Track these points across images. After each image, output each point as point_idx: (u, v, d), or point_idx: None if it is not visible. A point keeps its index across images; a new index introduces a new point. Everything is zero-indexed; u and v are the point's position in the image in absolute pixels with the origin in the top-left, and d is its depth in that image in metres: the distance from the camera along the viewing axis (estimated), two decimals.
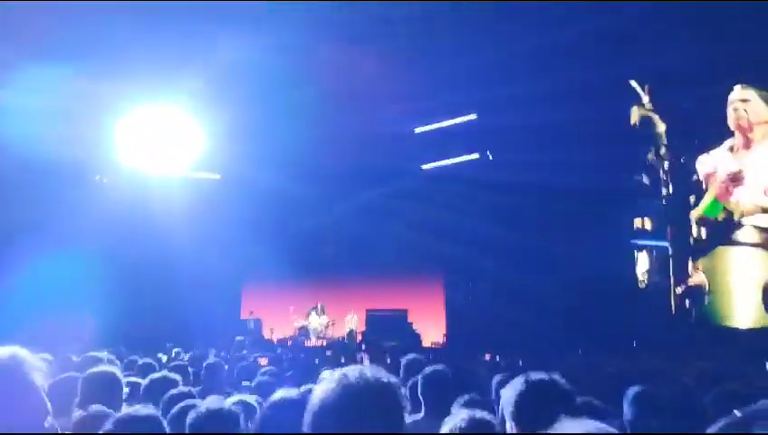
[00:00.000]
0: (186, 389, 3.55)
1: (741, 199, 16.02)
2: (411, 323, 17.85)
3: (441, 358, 11.76)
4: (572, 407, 2.03)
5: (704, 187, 16.49)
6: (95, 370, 3.61)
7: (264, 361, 9.25)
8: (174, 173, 18.31)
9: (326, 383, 1.50)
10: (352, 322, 18.70)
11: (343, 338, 18.37)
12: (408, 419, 3.90)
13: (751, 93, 16.15)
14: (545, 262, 16.46)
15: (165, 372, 4.53)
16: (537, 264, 16.61)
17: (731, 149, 16.34)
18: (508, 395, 2.06)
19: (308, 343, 17.86)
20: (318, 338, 18.47)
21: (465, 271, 18.89)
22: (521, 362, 9.86)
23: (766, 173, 16.03)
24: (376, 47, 15.65)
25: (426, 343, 17.76)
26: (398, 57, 16.00)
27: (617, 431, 1.58)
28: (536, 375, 2.10)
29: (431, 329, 18.48)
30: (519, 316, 16.23)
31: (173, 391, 3.46)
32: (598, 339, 14.41)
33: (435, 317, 18.99)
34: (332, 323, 18.83)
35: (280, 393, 2.52)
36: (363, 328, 18.32)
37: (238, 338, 15.33)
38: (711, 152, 16.44)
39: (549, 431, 1.52)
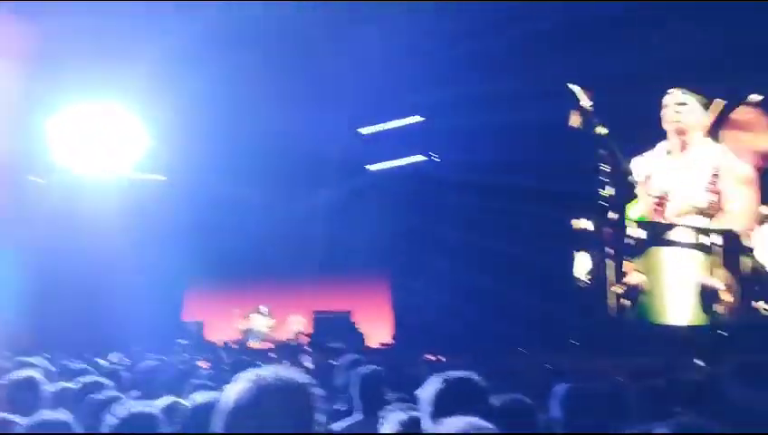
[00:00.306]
0: (114, 393, 3.46)
1: (669, 212, 16.58)
2: (356, 325, 17.85)
3: (386, 358, 11.81)
4: (487, 405, 2.06)
5: (638, 189, 16.97)
6: (13, 375, 3.50)
7: (204, 364, 9.11)
8: (115, 174, 17.91)
9: (239, 384, 1.50)
10: (297, 323, 18.60)
11: (288, 340, 18.26)
12: (346, 421, 3.90)
13: (688, 97, 16.66)
14: (490, 262, 16.69)
15: (95, 377, 4.42)
16: (482, 264, 16.82)
17: (667, 151, 16.84)
18: (425, 395, 2.08)
19: (252, 346, 17.68)
20: (262, 340, 18.30)
21: (412, 271, 18.98)
22: (464, 362, 9.97)
23: (699, 176, 16.57)
24: (321, 47, 15.61)
25: (372, 343, 17.78)
26: (342, 57, 15.99)
27: (492, 427, 1.61)
28: (454, 374, 2.12)
29: (378, 329, 18.51)
30: (465, 316, 16.40)
31: (100, 396, 3.38)
32: (540, 338, 14.67)
33: (381, 318, 19.03)
34: (277, 325, 18.68)
35: (204, 396, 2.48)
36: (309, 330, 18.24)
37: (179, 341, 15.07)
38: (646, 155, 16.92)
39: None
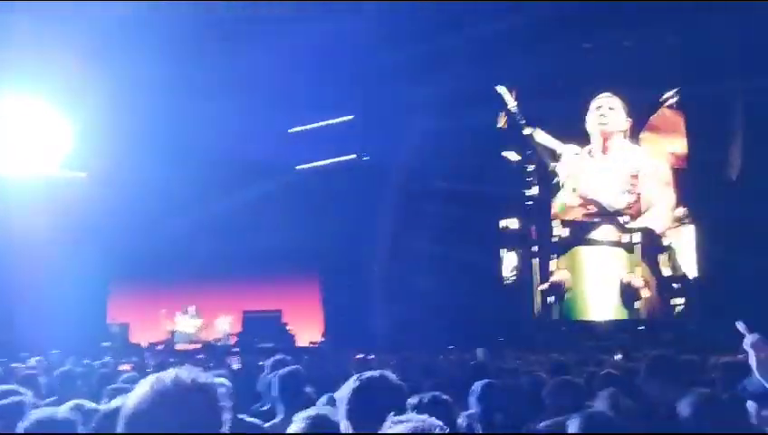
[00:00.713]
0: (19, 399, 3.34)
1: (592, 212, 17.15)
2: (286, 324, 17.73)
3: (315, 358, 11.78)
4: (403, 403, 2.09)
5: (562, 190, 17.47)
6: None
7: (126, 367, 8.89)
8: (34, 171, 17.28)
9: (140, 388, 1.48)
10: (226, 324, 18.32)
11: (216, 341, 17.97)
12: (269, 422, 3.88)
13: (614, 101, 17.24)
14: (419, 261, 16.84)
15: (7, 385, 4.25)
16: (411, 263, 16.97)
17: (589, 152, 17.38)
18: (341, 395, 2.10)
19: (179, 348, 17.32)
20: (190, 342, 17.95)
21: (342, 270, 18.98)
22: (393, 362, 10.03)
23: (620, 177, 17.17)
24: (250, 45, 15.46)
25: (303, 342, 17.70)
26: (273, 55, 15.87)
27: (441, 424, 1.65)
28: (368, 373, 2.15)
29: (308, 329, 18.43)
30: (395, 314, 16.51)
31: (7, 402, 3.26)
32: (468, 335, 14.87)
33: (312, 317, 18.95)
34: (205, 326, 18.37)
35: (118, 401, 2.43)
36: (237, 330, 18.00)
37: (104, 344, 14.65)
38: (568, 156, 17.42)
39: (380, 431, 1.57)
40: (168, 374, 1.51)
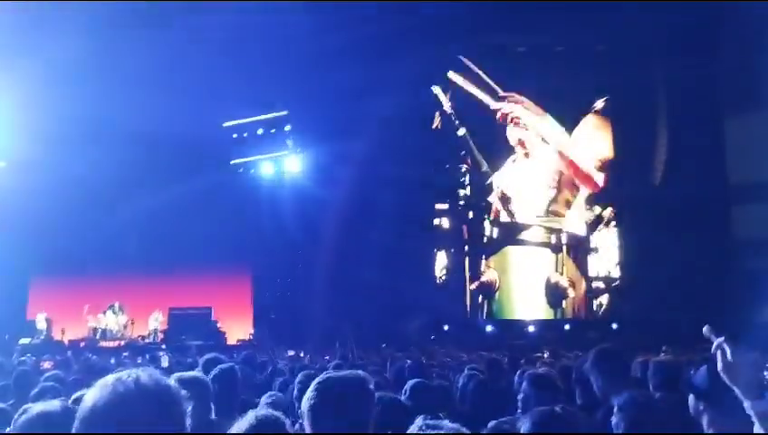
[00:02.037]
0: None
1: (521, 213, 17.52)
2: (216, 321, 17.44)
3: (246, 355, 11.60)
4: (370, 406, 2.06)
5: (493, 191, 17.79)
6: None
7: (47, 364, 8.55)
8: None
9: (98, 388, 1.41)
10: (155, 321, 17.88)
11: (143, 338, 17.53)
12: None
13: (524, 111, 17.61)
14: (353, 259, 16.79)
15: None
16: (345, 261, 16.89)
17: (513, 161, 17.75)
18: (305, 399, 2.06)
19: (104, 344, 16.80)
20: (115, 339, 17.44)
21: (274, 267, 18.81)
22: (327, 358, 10.00)
23: (545, 180, 17.60)
24: (181, 34, 15.13)
25: (232, 340, 17.44)
26: (205, 47, 15.57)
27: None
28: (329, 374, 2.11)
29: (238, 326, 18.18)
30: (327, 313, 16.43)
31: None
32: (401, 334, 14.96)
33: (242, 314, 18.70)
34: (132, 323, 17.88)
35: (39, 406, 2.32)
36: (165, 326, 17.60)
37: (23, 341, 14.08)
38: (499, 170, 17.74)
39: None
40: (127, 375, 1.45)
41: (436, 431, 1.51)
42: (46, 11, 14.32)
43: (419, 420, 1.67)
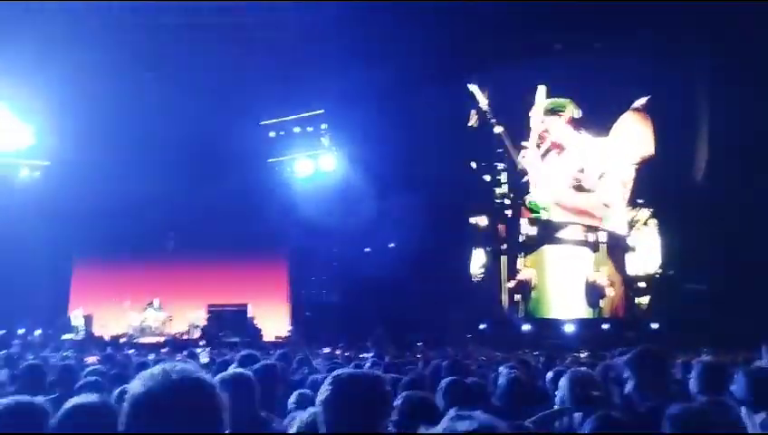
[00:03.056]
0: None
1: (559, 210, 17.36)
2: (252, 318, 17.60)
3: (281, 354, 11.69)
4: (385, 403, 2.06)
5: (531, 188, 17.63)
6: None
7: (91, 359, 8.73)
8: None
9: (137, 382, 1.43)
10: (193, 317, 18.11)
11: (181, 334, 17.76)
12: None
13: (555, 102, 17.43)
14: (388, 258, 16.77)
15: None
16: (380, 259, 16.88)
17: (546, 152, 17.56)
18: (319, 394, 2.07)
19: (143, 341, 17.07)
20: (155, 335, 17.72)
21: (309, 265, 18.92)
22: (362, 356, 10.01)
23: (584, 177, 17.40)
24: (219, 34, 15.31)
25: (268, 337, 17.58)
26: (243, 46, 15.72)
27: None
28: (343, 373, 2.11)
29: (274, 323, 18.33)
30: (362, 310, 16.47)
31: None
32: (438, 332, 14.93)
33: (278, 311, 18.85)
34: (171, 319, 18.14)
35: (76, 399, 2.37)
36: (203, 323, 17.81)
37: (65, 336, 14.36)
38: (532, 155, 17.57)
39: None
40: (171, 368, 1.47)
41: (467, 422, 1.50)
42: (87, 16, 14.64)
43: (451, 412, 1.66)
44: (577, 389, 3.46)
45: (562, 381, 3.68)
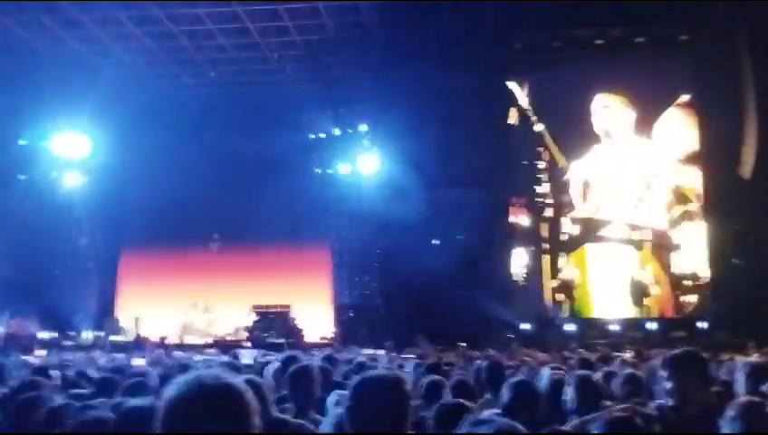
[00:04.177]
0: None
1: (601, 209, 17.12)
2: (294, 319, 17.78)
3: (325, 355, 11.77)
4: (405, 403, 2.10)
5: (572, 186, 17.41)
6: None
7: (139, 361, 8.92)
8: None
9: (176, 386, 1.49)
10: (238, 319, 18.38)
11: (226, 335, 18.03)
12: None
13: (611, 99, 17.17)
14: (430, 259, 16.73)
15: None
16: (422, 261, 16.84)
17: (597, 152, 17.32)
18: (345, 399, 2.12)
19: (190, 342, 17.38)
20: (201, 335, 18.03)
21: (352, 267, 19.03)
22: (403, 356, 10.04)
23: (630, 175, 17.11)
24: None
25: (310, 338, 17.72)
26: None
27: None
28: (372, 374, 2.16)
29: (319, 324, 18.50)
30: (405, 312, 16.49)
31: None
32: (480, 331, 14.86)
33: (321, 313, 19.00)
34: (216, 321, 18.44)
35: (130, 402, 2.45)
36: (248, 325, 18.05)
37: (113, 338, 14.69)
38: (581, 159, 17.35)
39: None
40: (206, 374, 1.53)
41: (486, 425, 1.51)
42: (134, 27, 15.07)
43: (471, 417, 1.67)
44: (584, 393, 3.46)
45: (614, 383, 3.65)
